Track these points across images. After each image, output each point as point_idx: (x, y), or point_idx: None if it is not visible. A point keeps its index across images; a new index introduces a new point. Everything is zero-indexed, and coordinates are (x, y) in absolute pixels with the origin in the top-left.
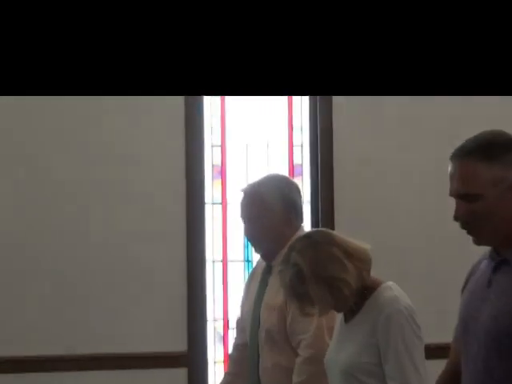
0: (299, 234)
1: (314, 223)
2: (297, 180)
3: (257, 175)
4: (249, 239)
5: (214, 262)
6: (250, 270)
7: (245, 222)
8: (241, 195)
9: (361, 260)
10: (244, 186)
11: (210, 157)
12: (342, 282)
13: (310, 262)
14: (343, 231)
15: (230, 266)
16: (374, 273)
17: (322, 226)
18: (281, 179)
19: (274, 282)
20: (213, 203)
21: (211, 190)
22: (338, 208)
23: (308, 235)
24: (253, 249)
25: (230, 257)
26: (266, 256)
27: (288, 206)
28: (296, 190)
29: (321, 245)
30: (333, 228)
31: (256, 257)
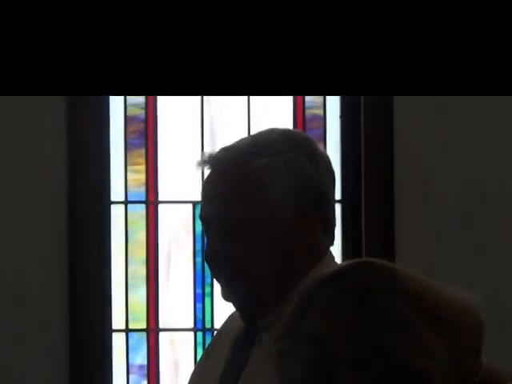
0: (325, 264)
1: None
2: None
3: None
4: (215, 270)
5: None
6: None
7: (209, 232)
8: (203, 172)
9: (460, 329)
10: (212, 150)
11: None
12: (415, 375)
13: (347, 333)
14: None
15: (163, 336)
16: None
17: (372, 253)
18: (298, 143)
19: (263, 361)
20: None
21: None
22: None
23: (345, 271)
24: (220, 294)
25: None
26: (250, 308)
27: (308, 203)
28: (326, 170)
29: (373, 296)
30: (392, 257)
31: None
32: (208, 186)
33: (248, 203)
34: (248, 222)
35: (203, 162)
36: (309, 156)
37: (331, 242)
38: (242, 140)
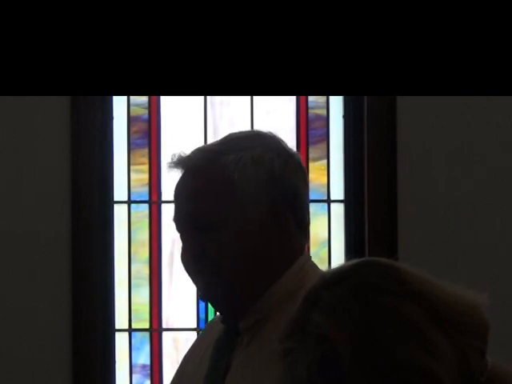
0: (301, 263)
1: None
2: None
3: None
4: (193, 274)
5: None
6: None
7: (183, 233)
8: (176, 175)
9: (465, 329)
10: (182, 152)
11: None
12: (422, 375)
13: (353, 334)
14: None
15: (166, 336)
16: None
17: (375, 252)
18: (265, 141)
19: (247, 363)
20: None
21: None
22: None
23: (349, 271)
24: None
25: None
26: (230, 310)
27: (280, 200)
28: (295, 167)
29: (378, 296)
30: (395, 256)
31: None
32: (180, 186)
33: (220, 200)
34: (222, 219)
35: (174, 164)
36: (277, 152)
37: (306, 240)
38: (212, 142)
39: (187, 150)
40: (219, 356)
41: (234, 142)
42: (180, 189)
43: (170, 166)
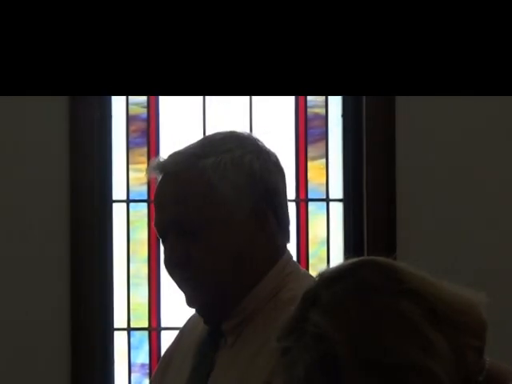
0: (283, 263)
1: (354, 247)
2: None
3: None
4: (179, 281)
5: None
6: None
7: (165, 238)
8: (155, 178)
9: (463, 328)
10: (161, 156)
11: None
12: (420, 374)
13: (352, 333)
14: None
15: (164, 335)
16: None
17: (374, 252)
18: (244, 142)
19: (231, 364)
20: None
21: None
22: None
23: (348, 270)
24: (183, 300)
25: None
26: (209, 311)
27: (261, 200)
28: (275, 166)
29: (377, 295)
30: (394, 256)
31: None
32: (160, 191)
33: (201, 203)
34: (204, 222)
35: (153, 169)
36: (256, 153)
37: (287, 239)
38: (189, 145)
39: (165, 154)
40: (202, 356)
41: (212, 144)
42: (161, 194)
43: (149, 171)
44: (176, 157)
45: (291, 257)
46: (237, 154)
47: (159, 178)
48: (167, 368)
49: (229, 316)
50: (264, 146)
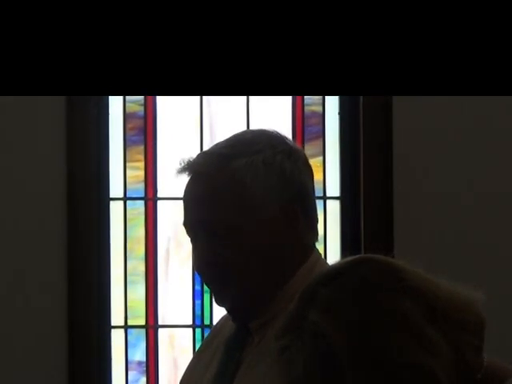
0: (312, 262)
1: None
2: None
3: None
4: (208, 281)
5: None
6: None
7: (194, 238)
8: (183, 179)
9: (462, 326)
10: (188, 155)
11: None
12: (419, 372)
13: (351, 331)
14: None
15: (162, 332)
16: None
17: (371, 251)
18: (274, 142)
19: (257, 362)
20: None
21: None
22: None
23: (346, 268)
24: (213, 298)
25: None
26: (239, 310)
27: (291, 200)
28: (304, 166)
29: (375, 293)
30: (391, 255)
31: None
32: (190, 191)
33: (232, 204)
34: (235, 223)
35: (183, 169)
36: (286, 153)
37: (316, 238)
38: (218, 144)
39: (194, 154)
40: (230, 354)
41: (242, 144)
42: (190, 194)
43: (178, 172)
44: (206, 157)
45: (320, 255)
46: (268, 154)
47: (188, 178)
48: (196, 366)
49: (257, 315)
50: (294, 145)
